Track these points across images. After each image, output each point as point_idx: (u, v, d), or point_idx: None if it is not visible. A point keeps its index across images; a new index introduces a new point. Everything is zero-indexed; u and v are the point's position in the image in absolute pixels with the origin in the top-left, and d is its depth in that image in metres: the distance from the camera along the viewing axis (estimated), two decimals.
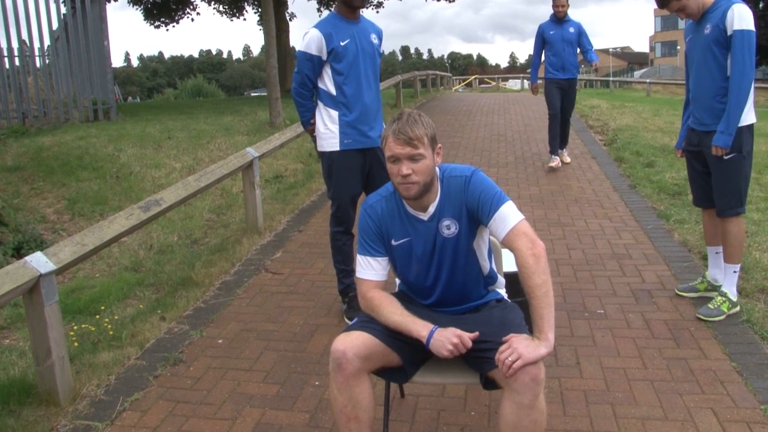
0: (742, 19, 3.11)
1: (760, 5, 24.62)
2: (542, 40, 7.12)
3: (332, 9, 3.70)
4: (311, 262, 4.73)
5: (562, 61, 6.99)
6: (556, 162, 7.24)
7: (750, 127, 3.28)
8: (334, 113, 3.51)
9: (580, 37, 6.98)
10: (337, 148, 3.51)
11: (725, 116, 3.22)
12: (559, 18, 6.94)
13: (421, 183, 2.05)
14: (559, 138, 7.30)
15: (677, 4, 3.28)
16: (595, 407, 2.68)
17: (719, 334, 3.25)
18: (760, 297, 3.67)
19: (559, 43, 6.95)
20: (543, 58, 7.32)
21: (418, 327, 2.02)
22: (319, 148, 3.62)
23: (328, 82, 3.49)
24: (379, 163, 3.57)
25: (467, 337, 1.96)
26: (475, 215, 2.11)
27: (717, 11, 3.21)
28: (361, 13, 3.56)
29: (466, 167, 2.17)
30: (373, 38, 3.57)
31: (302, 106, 3.61)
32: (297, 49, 3.57)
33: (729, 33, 3.15)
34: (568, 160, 7.61)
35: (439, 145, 2.13)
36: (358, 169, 3.56)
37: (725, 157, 3.27)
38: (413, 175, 2.03)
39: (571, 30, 6.92)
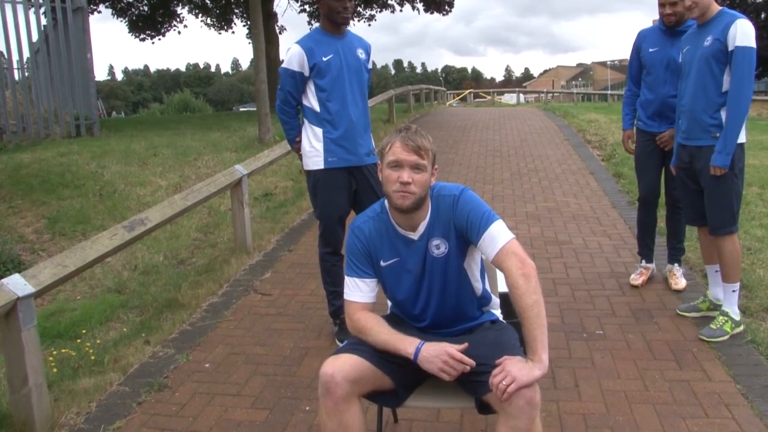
0: (744, 35, 3.07)
1: (762, 16, 24.72)
2: (638, 61, 3.92)
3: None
4: (301, 282, 4.65)
5: (659, 100, 3.80)
6: (641, 278, 4.20)
7: (741, 145, 3.24)
8: (319, 131, 3.44)
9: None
10: (322, 167, 3.44)
11: (723, 136, 3.17)
12: (669, 26, 3.71)
13: (417, 195, 2.04)
14: (652, 237, 4.23)
15: None
16: (594, 431, 2.60)
17: (723, 355, 3.19)
18: (765, 316, 3.61)
19: (659, 68, 3.76)
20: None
21: (405, 344, 2.00)
22: (304, 167, 3.56)
23: (312, 99, 3.43)
24: (366, 183, 3.51)
25: (459, 355, 1.92)
26: (464, 235, 2.10)
27: (719, 24, 3.16)
28: (347, 28, 3.51)
29: (455, 186, 2.17)
30: (360, 53, 3.50)
31: (287, 124, 3.56)
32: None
33: (730, 48, 3.10)
34: (683, 283, 4.10)
35: (436, 166, 2.14)
36: (344, 188, 3.49)
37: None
38: (412, 185, 2.02)
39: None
